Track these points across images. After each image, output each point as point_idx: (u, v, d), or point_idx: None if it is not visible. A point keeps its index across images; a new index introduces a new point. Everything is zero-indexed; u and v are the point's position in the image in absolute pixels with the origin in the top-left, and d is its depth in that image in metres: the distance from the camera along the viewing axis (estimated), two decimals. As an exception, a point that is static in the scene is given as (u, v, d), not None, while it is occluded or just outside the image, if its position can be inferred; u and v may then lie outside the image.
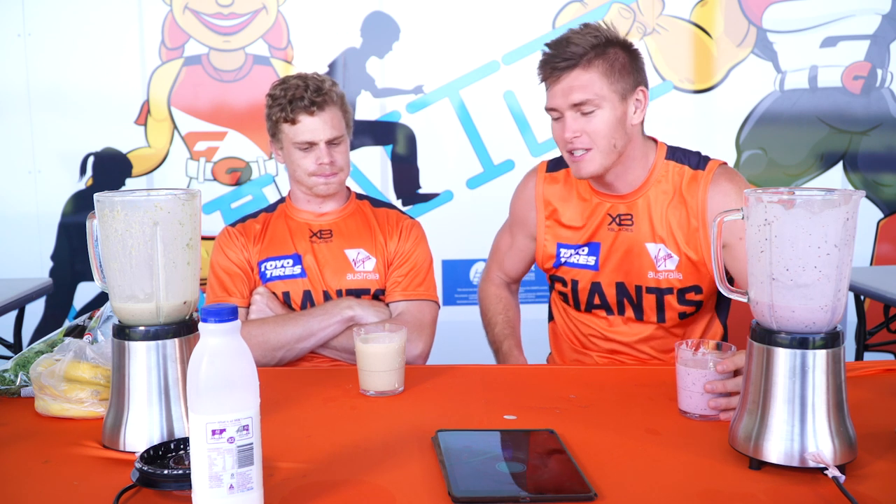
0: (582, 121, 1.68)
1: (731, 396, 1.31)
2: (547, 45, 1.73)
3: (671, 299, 1.79)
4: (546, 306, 2.07)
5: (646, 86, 1.76)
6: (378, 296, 1.97)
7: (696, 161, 1.78)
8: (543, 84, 1.74)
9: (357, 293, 1.94)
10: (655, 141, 1.83)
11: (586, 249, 1.84)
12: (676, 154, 1.80)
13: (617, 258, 1.81)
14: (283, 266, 1.95)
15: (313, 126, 1.91)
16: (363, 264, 1.96)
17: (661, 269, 1.77)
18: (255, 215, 2.05)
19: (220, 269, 1.97)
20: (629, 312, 1.84)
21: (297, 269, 1.94)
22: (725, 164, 1.79)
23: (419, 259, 1.99)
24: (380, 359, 1.48)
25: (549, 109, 1.74)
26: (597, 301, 1.86)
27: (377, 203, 2.08)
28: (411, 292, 1.95)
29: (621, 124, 1.71)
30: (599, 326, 1.88)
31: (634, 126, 1.74)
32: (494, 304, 2.03)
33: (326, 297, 1.94)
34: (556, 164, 1.93)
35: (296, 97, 1.91)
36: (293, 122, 1.92)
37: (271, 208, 2.06)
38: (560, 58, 1.67)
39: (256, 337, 1.80)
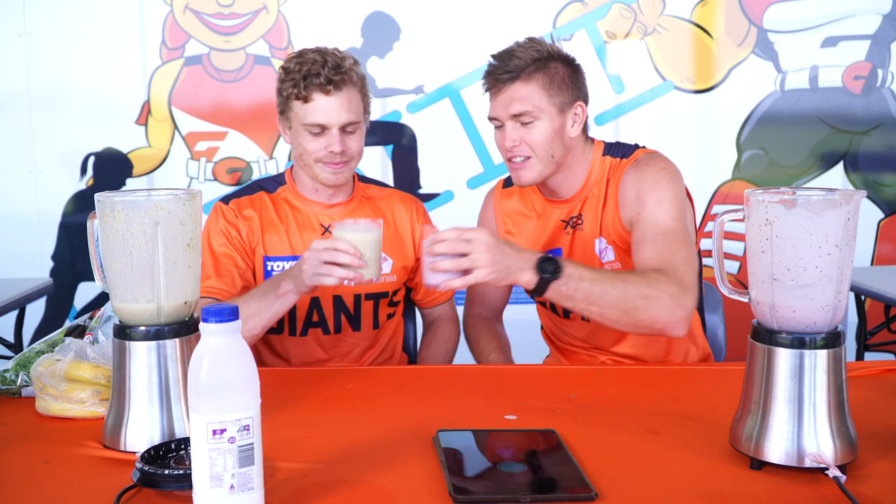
0: (521, 130, 1.73)
1: (447, 262, 1.43)
2: (492, 56, 1.77)
3: None
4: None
5: (585, 101, 1.79)
6: (394, 297, 1.92)
7: (626, 151, 1.81)
8: (487, 94, 1.78)
9: (375, 297, 1.88)
10: (594, 140, 1.86)
11: None
12: (612, 149, 1.83)
13: (577, 260, 1.81)
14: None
15: (327, 107, 1.75)
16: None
17: (605, 262, 1.80)
18: (251, 191, 1.89)
19: (217, 249, 1.81)
20: None
21: None
22: (655, 152, 1.81)
23: None
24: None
25: (491, 119, 1.79)
26: None
27: (381, 184, 2.01)
28: (448, 292, 2.00)
29: (559, 136, 1.75)
30: (581, 333, 1.89)
31: (573, 138, 1.78)
32: (486, 334, 1.93)
33: (337, 302, 1.86)
34: (510, 180, 1.95)
35: (311, 73, 1.74)
36: (305, 99, 1.75)
37: (271, 188, 1.90)
38: (503, 70, 1.72)
39: None
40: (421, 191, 3.63)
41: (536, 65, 1.72)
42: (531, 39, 1.76)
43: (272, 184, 1.92)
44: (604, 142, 1.85)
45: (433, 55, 3.59)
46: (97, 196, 1.19)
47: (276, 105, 1.85)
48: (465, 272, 1.44)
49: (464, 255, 1.43)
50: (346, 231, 1.53)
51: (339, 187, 1.88)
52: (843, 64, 3.55)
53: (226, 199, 1.89)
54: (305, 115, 1.76)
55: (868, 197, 3.59)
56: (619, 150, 1.82)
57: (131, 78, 3.57)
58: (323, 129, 1.76)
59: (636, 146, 1.83)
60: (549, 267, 1.48)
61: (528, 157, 1.75)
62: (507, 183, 1.97)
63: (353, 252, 1.50)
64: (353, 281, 1.53)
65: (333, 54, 1.78)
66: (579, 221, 1.83)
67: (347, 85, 1.76)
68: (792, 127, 3.58)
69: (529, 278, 1.48)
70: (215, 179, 3.61)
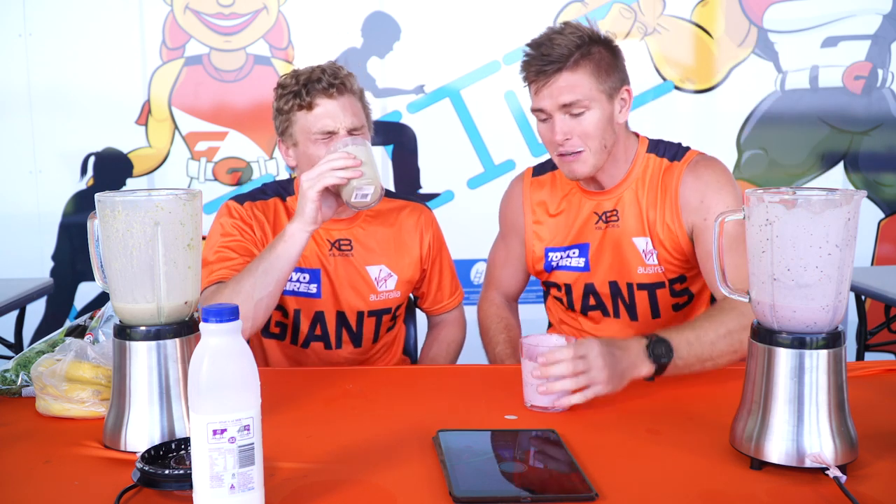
0: (572, 122, 1.66)
1: (566, 382, 1.32)
2: (529, 45, 1.70)
3: (663, 293, 1.79)
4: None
5: (629, 84, 1.74)
6: (396, 311, 1.90)
7: (675, 152, 1.77)
8: (528, 86, 1.73)
9: (378, 313, 1.86)
10: (637, 135, 1.82)
11: (576, 251, 1.83)
12: (658, 147, 1.79)
13: (607, 256, 1.80)
14: (298, 280, 1.79)
15: (333, 111, 1.70)
16: (385, 283, 1.84)
17: (650, 263, 1.77)
18: (265, 196, 1.83)
19: (231, 242, 1.73)
20: (624, 315, 1.82)
21: (313, 288, 1.79)
22: (703, 154, 1.78)
23: (446, 260, 1.97)
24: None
25: (535, 111, 1.72)
26: (592, 302, 1.85)
27: (388, 195, 1.92)
28: (456, 299, 2.01)
29: (610, 124, 1.70)
30: (597, 332, 1.86)
31: (620, 125, 1.73)
32: (495, 324, 1.93)
33: (340, 318, 1.83)
34: (541, 169, 1.92)
35: (311, 79, 1.71)
36: (310, 107, 1.70)
37: (283, 196, 1.84)
38: (546, 60, 1.65)
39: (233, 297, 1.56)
40: (421, 191, 3.63)
41: (581, 51, 1.64)
42: (567, 24, 1.69)
43: (284, 192, 1.86)
44: (647, 138, 1.81)
45: (433, 55, 3.59)
46: (97, 196, 1.19)
47: (275, 128, 1.80)
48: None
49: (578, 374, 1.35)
50: (336, 148, 1.60)
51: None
52: (844, 64, 3.55)
53: (239, 200, 1.82)
54: (312, 124, 1.72)
55: (868, 197, 3.59)
56: (665, 150, 1.78)
57: (131, 78, 3.57)
58: (331, 135, 1.71)
59: (683, 147, 1.79)
60: (660, 349, 1.42)
61: (581, 151, 1.67)
62: (538, 171, 1.92)
63: (347, 156, 1.56)
64: (358, 187, 1.56)
65: (330, 65, 1.76)
66: (614, 216, 1.78)
67: (348, 92, 1.74)
68: (792, 127, 3.58)
69: (648, 370, 1.42)
70: (215, 179, 3.61)
